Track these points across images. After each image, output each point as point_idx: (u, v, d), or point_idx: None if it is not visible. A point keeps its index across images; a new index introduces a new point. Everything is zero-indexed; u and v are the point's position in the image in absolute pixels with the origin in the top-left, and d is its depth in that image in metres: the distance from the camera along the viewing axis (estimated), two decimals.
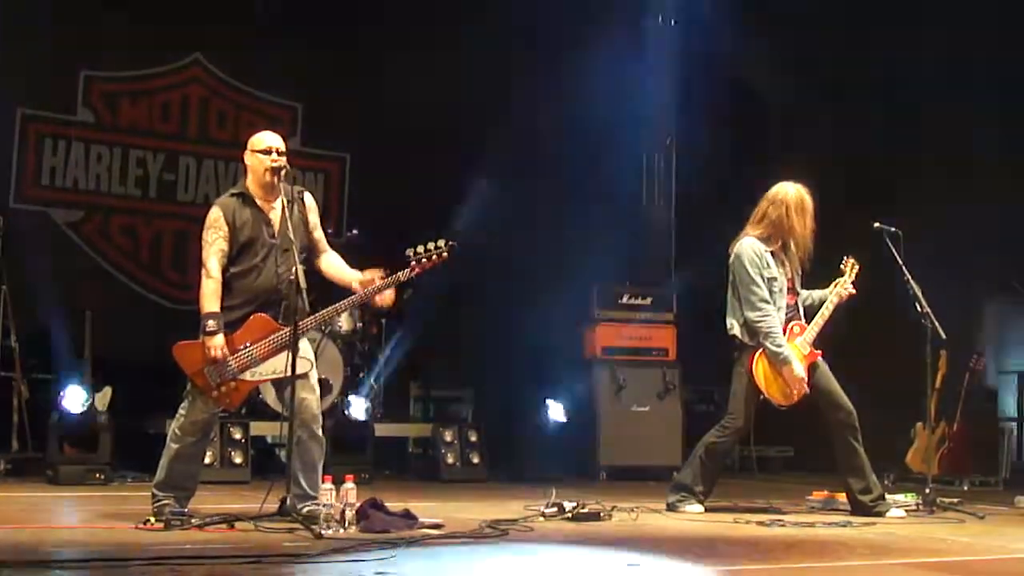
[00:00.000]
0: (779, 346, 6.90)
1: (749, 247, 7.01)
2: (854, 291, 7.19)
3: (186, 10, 10.39)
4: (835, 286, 7.19)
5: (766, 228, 7.05)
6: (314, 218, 6.13)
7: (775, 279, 6.99)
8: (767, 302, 6.92)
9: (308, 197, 6.15)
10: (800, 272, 7.17)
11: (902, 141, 10.33)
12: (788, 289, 7.08)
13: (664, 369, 10.03)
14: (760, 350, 6.94)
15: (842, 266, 7.28)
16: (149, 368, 8.01)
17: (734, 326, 7.06)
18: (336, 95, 11.04)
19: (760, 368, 6.95)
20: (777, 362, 6.92)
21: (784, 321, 7.02)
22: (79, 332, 9.19)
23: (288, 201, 5.91)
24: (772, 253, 7.03)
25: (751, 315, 6.94)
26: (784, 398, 6.99)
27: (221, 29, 10.65)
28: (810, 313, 7.16)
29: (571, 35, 10.41)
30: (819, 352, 7.06)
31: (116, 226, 10.69)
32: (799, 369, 6.92)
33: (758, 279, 6.94)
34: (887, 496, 7.08)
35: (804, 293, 7.22)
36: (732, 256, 7.06)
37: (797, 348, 6.99)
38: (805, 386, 6.95)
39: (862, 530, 6.30)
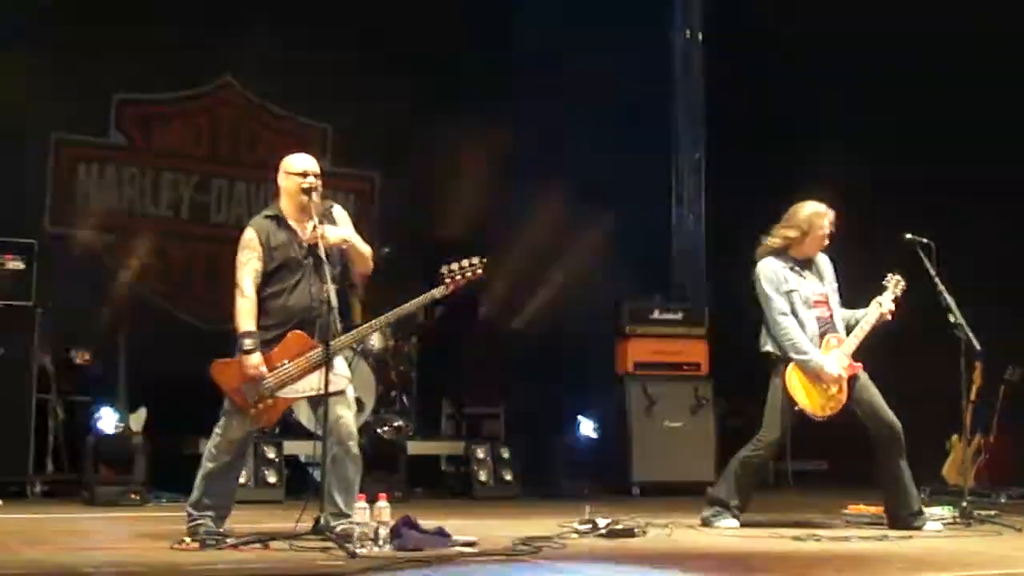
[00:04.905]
0: (803, 352, 6.88)
1: (764, 267, 7.07)
2: (893, 308, 7.10)
3: (216, 33, 10.46)
4: (876, 303, 7.13)
5: (782, 245, 7.07)
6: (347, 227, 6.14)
7: (795, 291, 7.00)
8: (785, 314, 6.95)
9: (337, 209, 6.17)
10: (835, 285, 7.14)
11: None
12: (817, 302, 7.05)
13: (696, 384, 10.00)
14: (793, 363, 6.91)
15: (885, 282, 7.20)
16: (183, 389, 8.03)
17: (767, 343, 7.07)
18: (365, 115, 11.06)
19: (794, 380, 6.92)
20: (807, 370, 6.89)
21: (819, 333, 7.00)
22: (113, 353, 9.25)
23: (319, 221, 5.95)
24: (792, 268, 7.04)
25: (773, 330, 6.98)
26: (820, 410, 6.94)
27: (250, 51, 10.71)
28: (852, 329, 7.11)
29: (599, 51, 10.44)
30: (859, 365, 7.01)
31: (149, 248, 10.75)
32: (831, 366, 6.88)
33: (773, 295, 6.98)
34: (924, 509, 7.02)
35: (847, 313, 7.16)
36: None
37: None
38: (844, 383, 6.90)
39: (899, 544, 6.25)
